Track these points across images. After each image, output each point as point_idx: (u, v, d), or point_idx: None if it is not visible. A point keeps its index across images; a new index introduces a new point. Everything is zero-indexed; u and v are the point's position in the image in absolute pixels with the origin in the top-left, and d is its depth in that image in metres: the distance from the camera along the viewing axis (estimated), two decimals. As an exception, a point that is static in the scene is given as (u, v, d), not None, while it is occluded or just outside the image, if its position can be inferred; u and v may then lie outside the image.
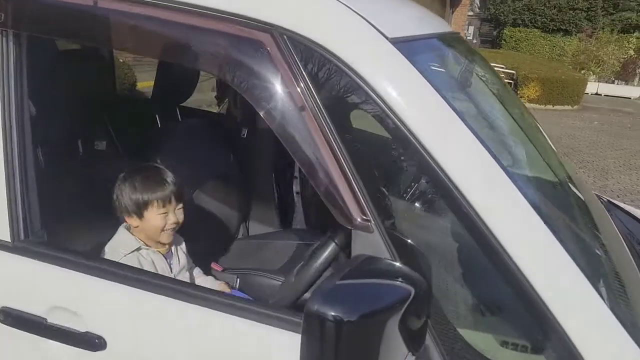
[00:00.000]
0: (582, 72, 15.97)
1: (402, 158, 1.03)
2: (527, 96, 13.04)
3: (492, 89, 1.68)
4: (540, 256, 0.96)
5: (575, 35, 19.10)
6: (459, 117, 1.02)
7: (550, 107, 13.09)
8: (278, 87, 1.03)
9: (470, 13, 21.86)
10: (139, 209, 1.56)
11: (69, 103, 1.68)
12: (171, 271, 1.67)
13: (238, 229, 2.55)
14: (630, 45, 18.38)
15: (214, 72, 1.16)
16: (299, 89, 1.02)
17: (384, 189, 1.04)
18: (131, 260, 1.52)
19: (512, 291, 0.95)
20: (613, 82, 16.53)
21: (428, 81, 1.04)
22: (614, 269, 1.26)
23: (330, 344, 0.91)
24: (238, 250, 2.40)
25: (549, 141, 1.76)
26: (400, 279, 0.96)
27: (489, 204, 0.97)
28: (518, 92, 13.17)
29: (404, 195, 1.05)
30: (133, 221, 1.58)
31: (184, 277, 1.73)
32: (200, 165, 2.32)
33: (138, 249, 1.57)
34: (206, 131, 2.45)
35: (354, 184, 1.00)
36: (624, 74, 16.56)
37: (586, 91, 14.59)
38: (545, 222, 0.97)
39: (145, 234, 1.59)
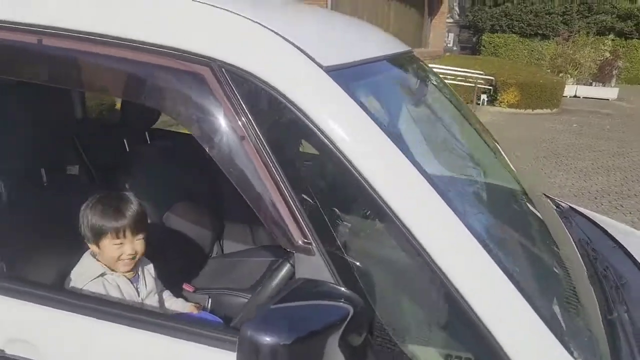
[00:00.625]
0: (560, 75, 16.18)
1: (340, 182, 1.08)
2: (507, 101, 13.19)
3: (442, 106, 1.73)
4: (470, 270, 1.00)
5: (553, 39, 19.39)
6: (393, 141, 1.06)
7: (530, 111, 13.24)
8: (218, 118, 1.08)
9: (450, 20, 22.14)
10: (96, 237, 1.59)
11: (29, 131, 1.69)
12: (138, 295, 1.69)
13: (212, 248, 2.57)
14: (605, 48, 18.68)
15: (157, 105, 1.20)
16: (238, 120, 1.07)
17: (324, 213, 1.07)
18: (96, 286, 1.54)
19: (444, 304, 1.00)
20: (591, 84, 16.76)
21: (361, 107, 1.09)
22: (556, 277, 1.31)
23: None
24: (211, 269, 2.42)
25: (502, 153, 1.81)
26: (337, 300, 0.99)
27: (422, 226, 1.01)
28: (497, 97, 13.33)
29: (343, 218, 1.09)
30: (94, 248, 1.61)
31: (152, 300, 1.75)
32: (171, 187, 2.35)
33: (103, 274, 1.59)
34: (176, 152, 2.48)
35: (295, 209, 1.04)
36: (600, 76, 16.79)
37: (565, 94, 14.77)
38: (480, 241, 1.02)
39: (115, 261, 1.61)
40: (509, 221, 1.42)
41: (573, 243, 1.66)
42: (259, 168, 1.05)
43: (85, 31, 1.14)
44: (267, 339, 0.93)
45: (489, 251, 1.01)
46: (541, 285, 1.18)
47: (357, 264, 1.07)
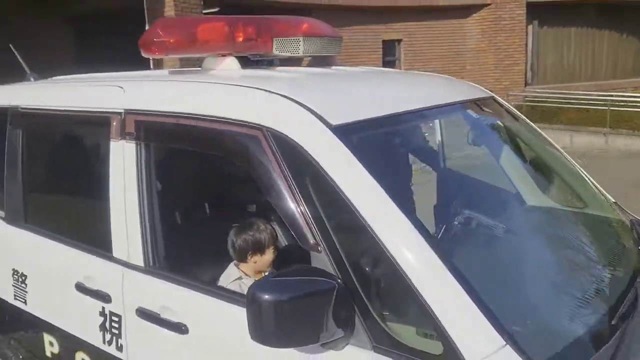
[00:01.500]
0: None
1: (340, 211, 1.50)
2: None
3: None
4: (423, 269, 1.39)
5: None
6: (389, 194, 1.46)
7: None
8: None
9: None
10: (240, 256, 2.11)
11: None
12: None
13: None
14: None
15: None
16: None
17: (328, 226, 1.49)
18: (234, 286, 2.02)
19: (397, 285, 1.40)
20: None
21: (357, 157, 1.51)
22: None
23: (268, 319, 1.35)
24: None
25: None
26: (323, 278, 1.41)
27: (391, 239, 1.42)
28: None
29: (339, 230, 1.51)
30: (251, 259, 2.10)
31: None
32: None
33: (239, 278, 2.08)
34: None
35: (311, 223, 1.49)
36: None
37: None
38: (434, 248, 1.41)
39: (254, 269, 2.11)
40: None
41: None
42: (290, 199, 1.54)
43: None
44: (267, 297, 1.34)
45: (441, 256, 1.39)
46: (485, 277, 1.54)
47: (348, 258, 1.47)
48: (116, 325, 2.08)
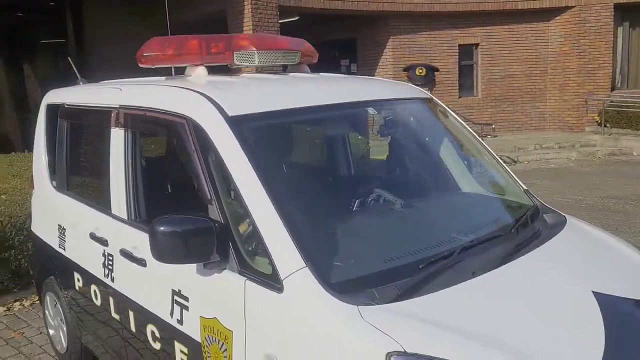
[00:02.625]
0: None
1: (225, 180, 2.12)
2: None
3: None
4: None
5: None
6: (255, 169, 2.03)
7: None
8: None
9: None
10: None
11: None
12: None
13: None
14: None
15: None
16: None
17: (218, 188, 2.13)
18: None
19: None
20: None
21: (242, 145, 2.09)
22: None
23: (161, 246, 1.98)
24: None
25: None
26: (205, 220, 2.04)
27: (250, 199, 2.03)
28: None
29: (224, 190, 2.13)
30: None
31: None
32: None
33: None
34: None
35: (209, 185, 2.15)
36: None
37: None
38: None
39: None
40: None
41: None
42: (198, 169, 2.19)
43: None
44: (161, 228, 1.98)
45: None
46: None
47: (227, 209, 2.11)
48: (110, 262, 2.86)
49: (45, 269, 3.80)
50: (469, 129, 3.12)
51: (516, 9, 13.71)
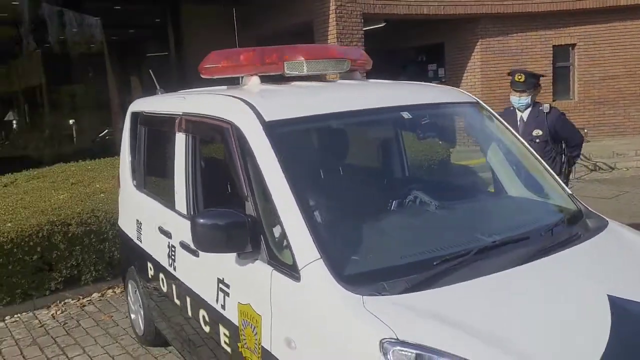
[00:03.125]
0: None
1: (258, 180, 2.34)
2: None
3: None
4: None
5: None
6: (284, 172, 2.23)
7: None
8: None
9: None
10: None
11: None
12: None
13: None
14: None
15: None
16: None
17: (253, 187, 2.37)
18: None
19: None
20: None
21: (274, 149, 2.30)
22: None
23: (200, 236, 2.24)
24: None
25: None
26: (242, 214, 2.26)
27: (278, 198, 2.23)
28: None
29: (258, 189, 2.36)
30: None
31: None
32: None
33: None
34: None
35: (246, 184, 2.38)
36: None
37: None
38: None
39: None
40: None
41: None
42: (238, 168, 2.44)
43: None
44: (200, 220, 2.24)
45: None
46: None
47: (260, 206, 2.34)
48: (173, 253, 3.19)
49: (128, 259, 4.26)
50: (515, 133, 3.12)
51: (618, 5, 12.87)
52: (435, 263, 2.11)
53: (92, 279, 5.43)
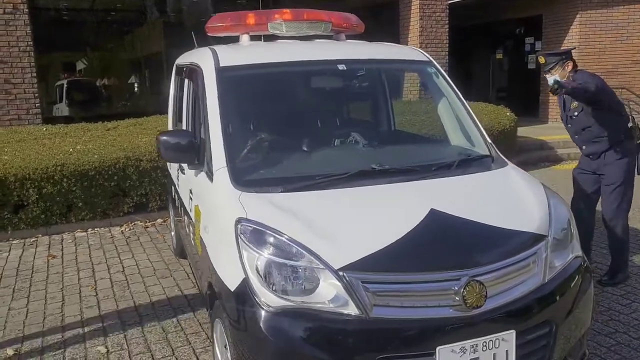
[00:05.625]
0: None
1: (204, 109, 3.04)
2: None
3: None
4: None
5: None
6: (220, 113, 2.90)
7: None
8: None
9: None
10: None
11: None
12: None
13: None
14: None
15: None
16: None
17: (200, 114, 3.09)
18: None
19: None
20: None
21: (218, 91, 2.98)
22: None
23: (162, 148, 3.06)
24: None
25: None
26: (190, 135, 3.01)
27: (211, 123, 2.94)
28: None
29: (202, 115, 3.08)
30: None
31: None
32: None
33: None
34: None
35: (193, 111, 3.10)
36: None
37: None
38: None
39: None
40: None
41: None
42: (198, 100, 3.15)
43: None
44: (163, 138, 3.07)
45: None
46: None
47: (202, 128, 3.05)
48: (178, 181, 4.05)
49: (170, 193, 5.25)
50: (456, 91, 3.51)
51: None
52: (317, 178, 2.70)
53: (157, 207, 6.57)
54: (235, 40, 4.10)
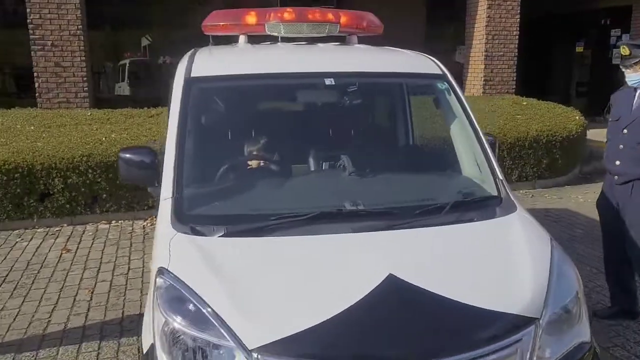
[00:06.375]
0: None
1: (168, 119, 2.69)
2: None
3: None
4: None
5: None
6: (177, 132, 2.55)
7: None
8: None
9: None
10: None
11: None
12: None
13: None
14: None
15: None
16: None
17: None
18: None
19: None
20: None
21: (181, 106, 2.61)
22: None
23: (120, 167, 2.70)
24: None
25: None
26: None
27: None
28: None
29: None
30: None
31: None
32: None
33: None
34: None
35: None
36: None
37: None
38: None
39: None
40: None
41: None
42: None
43: None
44: (121, 154, 2.72)
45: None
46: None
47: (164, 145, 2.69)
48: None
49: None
50: (469, 112, 2.95)
51: None
52: (271, 219, 2.29)
53: (182, 203, 6.39)
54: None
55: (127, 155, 2.73)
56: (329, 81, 2.82)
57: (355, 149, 3.07)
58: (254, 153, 2.95)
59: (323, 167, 2.91)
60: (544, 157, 7.72)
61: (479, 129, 2.89)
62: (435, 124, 3.50)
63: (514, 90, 10.48)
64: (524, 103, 9.27)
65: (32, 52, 8.29)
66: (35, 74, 8.34)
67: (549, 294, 2.04)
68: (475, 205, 2.53)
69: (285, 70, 2.87)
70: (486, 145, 2.83)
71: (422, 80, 3.08)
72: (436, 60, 3.17)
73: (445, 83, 3.01)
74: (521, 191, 7.50)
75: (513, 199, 2.62)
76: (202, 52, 3.09)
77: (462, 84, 11.14)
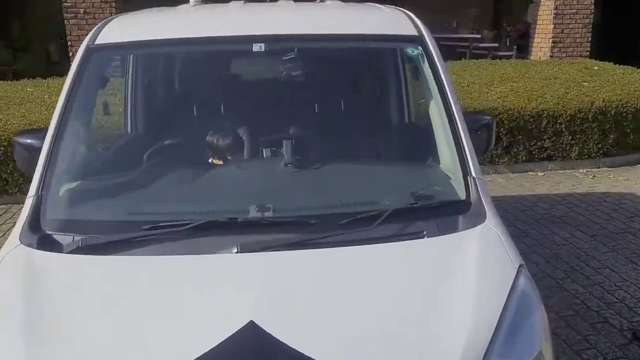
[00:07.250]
0: None
1: None
2: None
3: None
4: None
5: None
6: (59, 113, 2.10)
7: None
8: None
9: None
10: None
11: None
12: None
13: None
14: None
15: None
16: None
17: None
18: None
19: None
20: None
21: (75, 79, 2.16)
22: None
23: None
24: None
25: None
26: None
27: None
28: None
29: None
30: None
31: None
32: None
33: None
34: None
35: None
36: None
37: None
38: None
39: None
40: None
41: None
42: None
43: None
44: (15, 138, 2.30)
45: None
46: None
47: None
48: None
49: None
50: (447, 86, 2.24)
51: None
52: (144, 228, 1.78)
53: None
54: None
55: (27, 141, 2.30)
56: (257, 47, 2.21)
57: (304, 132, 2.44)
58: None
59: (261, 156, 2.33)
60: (611, 131, 6.63)
61: (453, 107, 2.18)
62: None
63: (588, 53, 9.22)
64: (596, 68, 8.06)
65: (65, 21, 8.18)
66: (69, 43, 8.23)
67: (489, 356, 1.41)
68: (429, 213, 1.88)
69: (207, 34, 2.30)
70: (460, 130, 2.13)
71: (388, 43, 2.41)
72: (414, 18, 2.47)
73: (418, 47, 2.31)
74: (581, 170, 6.52)
75: (486, 204, 1.94)
76: (121, 17, 2.59)
77: (527, 47, 9.96)
